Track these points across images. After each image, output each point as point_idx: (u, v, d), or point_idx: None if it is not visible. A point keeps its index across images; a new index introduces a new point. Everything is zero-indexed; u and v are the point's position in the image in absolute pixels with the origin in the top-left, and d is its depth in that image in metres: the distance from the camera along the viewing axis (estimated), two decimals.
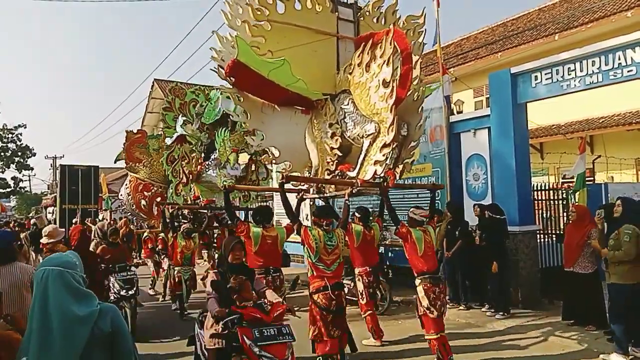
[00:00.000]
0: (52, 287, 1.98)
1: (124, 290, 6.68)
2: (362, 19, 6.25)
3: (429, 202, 5.97)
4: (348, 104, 5.61)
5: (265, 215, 5.91)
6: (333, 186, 5.87)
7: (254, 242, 5.59)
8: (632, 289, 5.13)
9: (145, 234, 11.55)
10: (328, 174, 5.66)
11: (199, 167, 9.45)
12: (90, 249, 7.12)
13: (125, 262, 7.11)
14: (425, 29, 6.24)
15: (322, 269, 4.97)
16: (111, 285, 6.74)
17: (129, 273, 6.94)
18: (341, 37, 6.03)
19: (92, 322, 2.00)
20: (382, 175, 5.13)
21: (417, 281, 5.15)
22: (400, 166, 5.47)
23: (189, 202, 9.75)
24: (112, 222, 19.23)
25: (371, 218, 6.82)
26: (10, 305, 3.41)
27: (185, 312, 8.09)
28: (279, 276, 5.78)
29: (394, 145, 5.00)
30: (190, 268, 8.49)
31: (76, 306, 1.99)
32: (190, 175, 9.32)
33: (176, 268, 8.29)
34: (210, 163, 9.46)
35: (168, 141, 10.39)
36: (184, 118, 9.80)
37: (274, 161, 6.30)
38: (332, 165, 5.65)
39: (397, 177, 5.41)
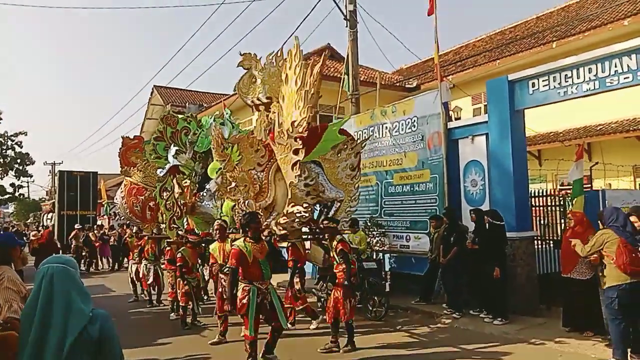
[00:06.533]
0: (58, 281, 2.06)
1: None
2: None
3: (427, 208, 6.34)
4: (318, 173, 7.31)
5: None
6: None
7: None
8: (621, 288, 5.16)
9: (130, 238, 11.41)
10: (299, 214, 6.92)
11: (193, 198, 8.95)
12: None
13: None
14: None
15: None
16: None
17: None
18: None
19: (86, 321, 2.03)
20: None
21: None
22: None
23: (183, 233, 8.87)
24: (108, 229, 19.26)
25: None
26: None
27: (187, 326, 7.82)
28: None
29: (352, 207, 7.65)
30: (196, 276, 8.24)
31: (80, 302, 2.06)
32: (185, 207, 8.77)
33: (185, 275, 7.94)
34: (205, 194, 8.91)
35: (160, 172, 9.54)
36: (176, 147, 9.30)
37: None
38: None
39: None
